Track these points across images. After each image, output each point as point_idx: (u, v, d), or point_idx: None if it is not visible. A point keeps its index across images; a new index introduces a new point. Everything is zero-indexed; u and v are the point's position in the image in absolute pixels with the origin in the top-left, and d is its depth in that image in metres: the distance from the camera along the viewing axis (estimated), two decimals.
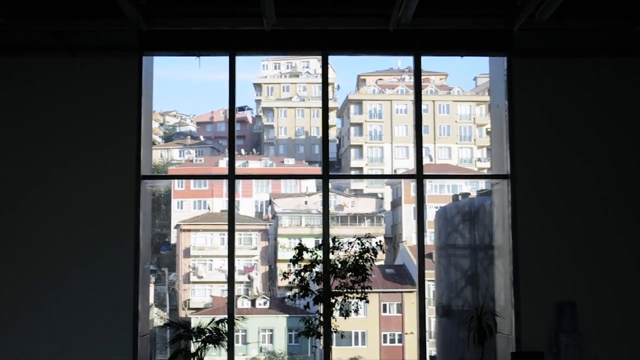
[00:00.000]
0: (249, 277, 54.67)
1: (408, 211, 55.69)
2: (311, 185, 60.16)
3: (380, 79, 74.98)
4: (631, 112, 11.42)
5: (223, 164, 56.54)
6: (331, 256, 11.32)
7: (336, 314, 11.22)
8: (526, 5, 10.26)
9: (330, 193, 11.87)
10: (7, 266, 10.96)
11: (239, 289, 50.92)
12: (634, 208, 11.24)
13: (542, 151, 11.29)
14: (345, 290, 11.25)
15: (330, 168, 11.92)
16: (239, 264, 52.56)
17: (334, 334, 11.21)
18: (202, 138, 78.65)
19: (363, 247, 11.41)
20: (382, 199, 63.98)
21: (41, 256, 10.97)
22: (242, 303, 47.66)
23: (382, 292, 45.10)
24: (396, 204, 61.12)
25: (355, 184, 66.35)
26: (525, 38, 11.26)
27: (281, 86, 78.66)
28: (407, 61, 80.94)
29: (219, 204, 57.66)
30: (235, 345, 11.20)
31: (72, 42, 11.16)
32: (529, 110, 11.32)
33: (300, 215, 57.20)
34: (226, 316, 11.17)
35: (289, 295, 12.01)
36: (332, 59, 11.79)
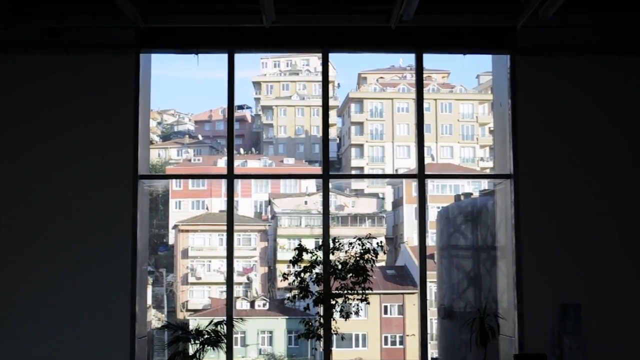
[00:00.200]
0: (248, 278, 54.67)
1: (409, 211, 55.69)
2: (311, 185, 60.17)
3: (381, 77, 74.98)
4: (637, 110, 11.41)
5: (222, 163, 56.55)
6: (331, 257, 11.32)
7: (336, 315, 11.22)
8: (530, 2, 10.26)
9: (330, 193, 11.87)
10: None
11: (238, 291, 50.94)
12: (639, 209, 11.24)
13: (545, 150, 11.29)
14: (345, 292, 11.25)
15: (331, 168, 11.92)
16: (238, 265, 52.55)
17: (334, 336, 11.21)
18: (200, 137, 78.65)
19: (364, 247, 11.41)
20: (383, 199, 63.99)
21: (36, 257, 10.96)
22: (241, 304, 47.71)
23: (383, 294, 45.12)
24: (397, 204, 61.13)
25: (355, 184, 66.36)
26: (529, 35, 11.26)
27: (281, 84, 78.65)
28: (408, 59, 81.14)
29: (218, 204, 57.67)
30: (234, 347, 11.20)
31: (68, 40, 11.16)
32: (532, 108, 11.32)
33: (300, 215, 57.20)
34: (225, 318, 11.16)
35: (289, 297, 12.01)
36: (332, 56, 11.81)
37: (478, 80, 76.29)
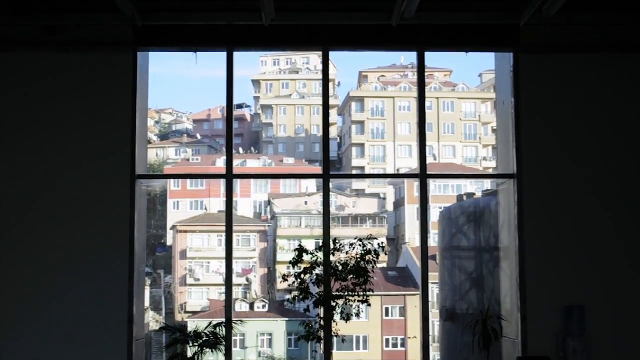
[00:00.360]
0: (247, 280, 54.67)
1: (411, 212, 55.65)
2: (311, 184, 60.18)
3: (382, 76, 74.98)
4: None
5: (220, 163, 56.60)
6: (332, 258, 11.32)
7: (337, 317, 11.21)
8: (533, 0, 10.26)
9: (330, 193, 11.86)
10: None
11: (236, 292, 50.96)
12: None
13: (549, 150, 11.29)
14: (346, 293, 11.24)
15: (331, 167, 11.92)
16: (237, 266, 52.60)
17: (335, 338, 11.20)
18: (198, 136, 78.64)
19: (365, 248, 11.40)
20: (384, 199, 63.99)
21: (31, 258, 10.96)
22: (240, 306, 47.72)
23: (384, 295, 45.11)
24: (399, 204, 61.13)
25: (356, 184, 66.37)
26: (532, 33, 11.25)
27: (280, 83, 78.67)
28: (410, 57, 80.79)
29: (216, 204, 57.66)
30: (233, 349, 11.20)
31: (65, 37, 11.16)
32: (535, 107, 11.32)
33: (300, 215, 57.20)
34: (224, 320, 11.17)
35: (289, 298, 12.00)
36: (332, 54, 11.80)
37: (480, 78, 76.30)
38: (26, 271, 10.94)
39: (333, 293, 11.13)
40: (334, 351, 11.16)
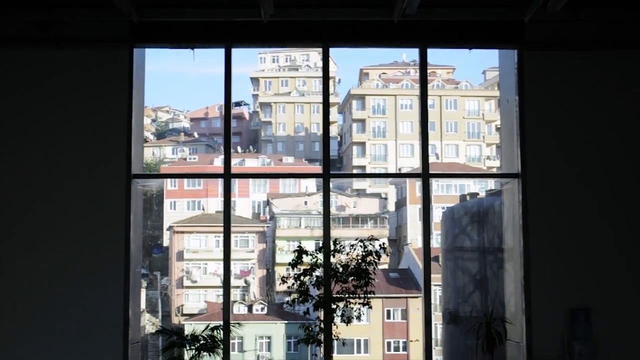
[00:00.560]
0: (246, 282, 54.71)
1: (413, 212, 55.76)
2: (311, 184, 60.24)
3: (384, 73, 75.07)
4: None
5: (218, 162, 56.61)
6: (332, 259, 11.32)
7: (337, 320, 11.21)
8: None
9: (331, 193, 11.86)
10: None
11: (235, 294, 50.97)
12: None
13: (554, 149, 11.29)
14: (347, 296, 11.23)
15: (331, 167, 11.92)
16: (235, 268, 52.65)
17: (335, 342, 11.20)
18: (196, 135, 78.74)
19: (366, 249, 11.39)
20: (385, 199, 64.06)
21: (25, 260, 10.95)
22: (239, 309, 47.74)
23: (386, 298, 45.15)
24: (401, 204, 61.16)
25: (357, 184, 66.44)
26: (537, 30, 11.25)
27: (279, 80, 78.73)
28: (412, 54, 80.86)
29: (214, 204, 57.70)
30: (231, 353, 11.20)
31: (59, 34, 11.14)
32: (540, 105, 11.32)
33: (300, 216, 57.25)
34: (221, 323, 11.16)
35: (288, 301, 12.01)
36: (333, 51, 11.80)
37: (484, 76, 76.41)
38: (19, 273, 10.93)
39: (333, 295, 11.13)
40: (335, 355, 11.16)
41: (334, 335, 11.10)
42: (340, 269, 11.31)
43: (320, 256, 11.26)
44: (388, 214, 60.49)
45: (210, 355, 10.87)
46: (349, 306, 11.25)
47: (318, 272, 11.28)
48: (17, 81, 11.28)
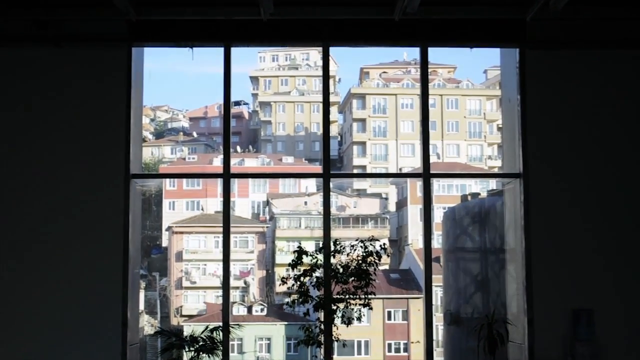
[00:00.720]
0: (245, 283, 54.72)
1: (414, 212, 55.77)
2: (311, 184, 60.23)
3: (384, 72, 75.06)
4: None
5: (217, 162, 56.61)
6: (332, 260, 11.32)
7: (338, 321, 11.21)
8: None
9: (331, 193, 11.86)
10: None
11: (234, 295, 50.99)
12: None
13: (556, 148, 11.28)
14: (347, 297, 11.24)
15: (332, 166, 11.93)
16: (235, 269, 52.63)
17: (336, 343, 11.21)
18: (195, 134, 78.72)
19: (366, 250, 11.40)
20: (386, 199, 64.07)
21: (22, 260, 10.94)
22: (238, 310, 47.75)
23: (387, 299, 45.19)
24: (401, 204, 61.18)
25: (358, 184, 66.44)
26: (539, 28, 11.25)
27: (279, 79, 78.71)
28: (413, 53, 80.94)
29: (214, 204, 57.72)
30: (231, 354, 11.20)
31: (58, 33, 11.14)
32: (542, 104, 11.31)
33: (300, 216, 57.25)
34: (221, 324, 11.16)
35: (288, 302, 12.02)
36: (333, 50, 11.81)
37: (486, 75, 76.40)
38: (16, 274, 10.92)
39: (334, 296, 11.13)
40: (335, 356, 11.16)
41: (334, 337, 11.10)
42: (341, 270, 11.31)
43: (321, 257, 11.26)
44: (389, 214, 60.50)
45: (209, 356, 10.88)
46: (349, 307, 11.26)
47: (318, 273, 11.28)
48: (15, 80, 11.27)
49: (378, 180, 67.54)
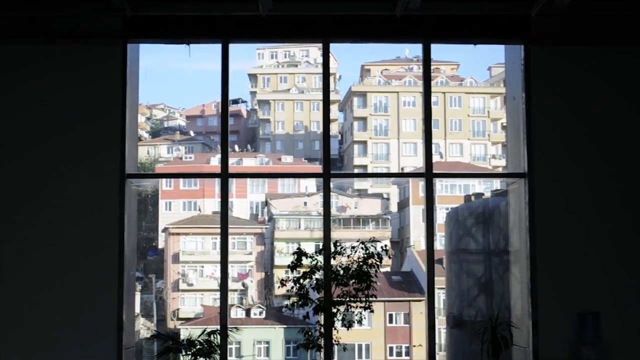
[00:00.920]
0: (244, 285, 54.76)
1: (416, 213, 55.76)
2: (311, 184, 60.23)
3: (386, 69, 75.07)
4: None
5: (215, 161, 56.63)
6: (333, 262, 11.32)
7: (338, 324, 11.22)
8: None
9: (331, 193, 11.86)
10: None
11: (232, 298, 51.00)
12: None
13: (562, 147, 11.28)
14: (348, 299, 11.25)
15: (332, 166, 11.94)
16: (233, 271, 52.63)
17: (336, 347, 11.21)
18: (192, 133, 78.78)
19: (367, 252, 11.40)
20: (388, 199, 64.08)
21: (16, 262, 10.94)
22: (236, 313, 47.75)
23: (388, 301, 45.20)
24: (403, 205, 61.19)
25: (358, 184, 66.45)
26: (544, 24, 11.25)
27: (278, 77, 78.73)
28: (415, 49, 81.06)
29: (211, 205, 57.76)
30: (229, 358, 11.20)
31: (51, 29, 11.14)
32: (548, 102, 11.31)
33: (299, 217, 57.27)
34: (218, 327, 11.17)
35: (287, 305, 12.00)
36: (333, 47, 11.81)
37: (490, 72, 76.41)
38: (10, 275, 10.92)
39: (334, 299, 11.13)
40: None
41: (335, 340, 11.10)
42: (341, 272, 11.32)
43: (321, 258, 11.26)
44: (390, 215, 60.52)
45: None
46: (349, 310, 11.26)
47: (318, 275, 11.28)
48: (6, 77, 11.26)
49: (379, 180, 67.55)
